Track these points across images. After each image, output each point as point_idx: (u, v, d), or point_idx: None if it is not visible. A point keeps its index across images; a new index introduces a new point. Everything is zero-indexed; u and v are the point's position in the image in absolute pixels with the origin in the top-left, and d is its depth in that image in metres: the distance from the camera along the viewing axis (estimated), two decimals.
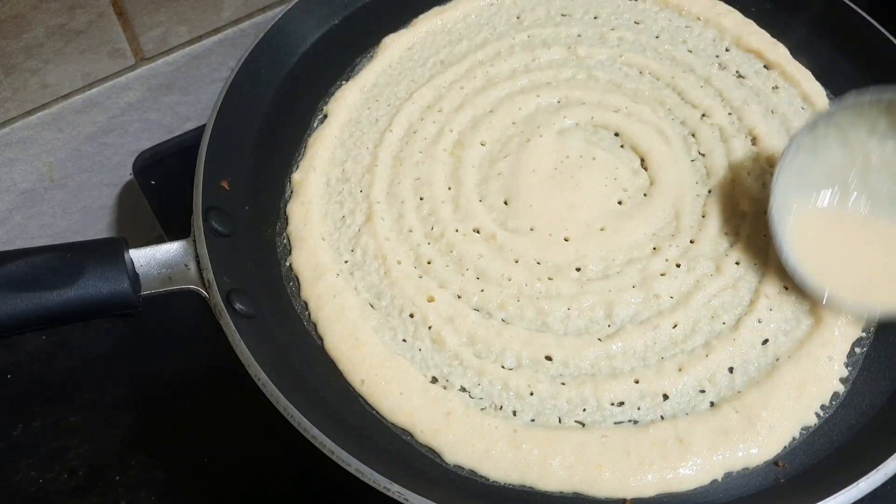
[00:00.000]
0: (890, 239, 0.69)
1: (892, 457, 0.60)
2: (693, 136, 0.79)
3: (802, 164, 0.69)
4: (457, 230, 0.73)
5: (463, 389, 0.66)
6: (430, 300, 0.70)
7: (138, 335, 0.91)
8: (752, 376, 0.66)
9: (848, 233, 0.70)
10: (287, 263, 0.73)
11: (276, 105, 0.81)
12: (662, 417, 0.65)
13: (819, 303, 0.68)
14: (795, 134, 0.69)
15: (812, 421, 0.65)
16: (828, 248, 0.69)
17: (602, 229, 0.73)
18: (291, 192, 0.77)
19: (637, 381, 0.66)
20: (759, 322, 0.68)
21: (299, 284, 0.72)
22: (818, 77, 0.82)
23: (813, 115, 0.74)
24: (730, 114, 0.80)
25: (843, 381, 0.67)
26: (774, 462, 0.63)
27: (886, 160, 0.70)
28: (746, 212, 0.73)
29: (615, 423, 0.64)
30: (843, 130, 0.70)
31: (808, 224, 0.70)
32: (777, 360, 0.67)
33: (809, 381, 0.66)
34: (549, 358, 0.67)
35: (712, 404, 0.65)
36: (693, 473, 0.62)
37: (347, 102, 0.82)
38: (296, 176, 0.78)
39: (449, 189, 0.76)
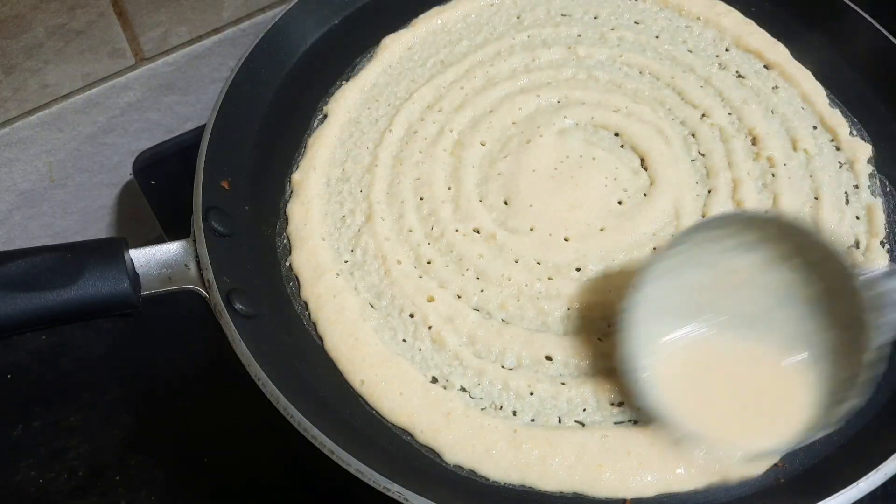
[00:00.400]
0: (762, 363, 0.62)
1: (892, 457, 0.60)
2: (693, 136, 0.79)
3: (660, 291, 0.62)
4: (457, 230, 0.73)
5: (463, 389, 0.66)
6: (430, 300, 0.70)
7: (138, 335, 0.91)
8: None
9: (716, 361, 0.62)
10: (287, 263, 0.73)
11: (276, 105, 0.81)
12: None
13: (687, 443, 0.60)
14: (645, 265, 0.62)
15: None
16: (694, 383, 0.61)
17: (602, 229, 0.73)
18: (291, 192, 0.77)
19: None
20: None
21: (299, 284, 0.72)
22: (818, 77, 0.82)
23: (668, 241, 0.66)
24: (730, 114, 0.80)
25: None
26: (774, 462, 0.63)
27: (753, 276, 0.63)
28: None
29: (615, 423, 0.64)
30: (705, 247, 0.63)
31: (670, 356, 0.62)
32: None
33: None
34: (549, 358, 0.67)
35: None
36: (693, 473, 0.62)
37: (347, 102, 0.82)
38: (296, 176, 0.78)
39: (449, 189, 0.76)
